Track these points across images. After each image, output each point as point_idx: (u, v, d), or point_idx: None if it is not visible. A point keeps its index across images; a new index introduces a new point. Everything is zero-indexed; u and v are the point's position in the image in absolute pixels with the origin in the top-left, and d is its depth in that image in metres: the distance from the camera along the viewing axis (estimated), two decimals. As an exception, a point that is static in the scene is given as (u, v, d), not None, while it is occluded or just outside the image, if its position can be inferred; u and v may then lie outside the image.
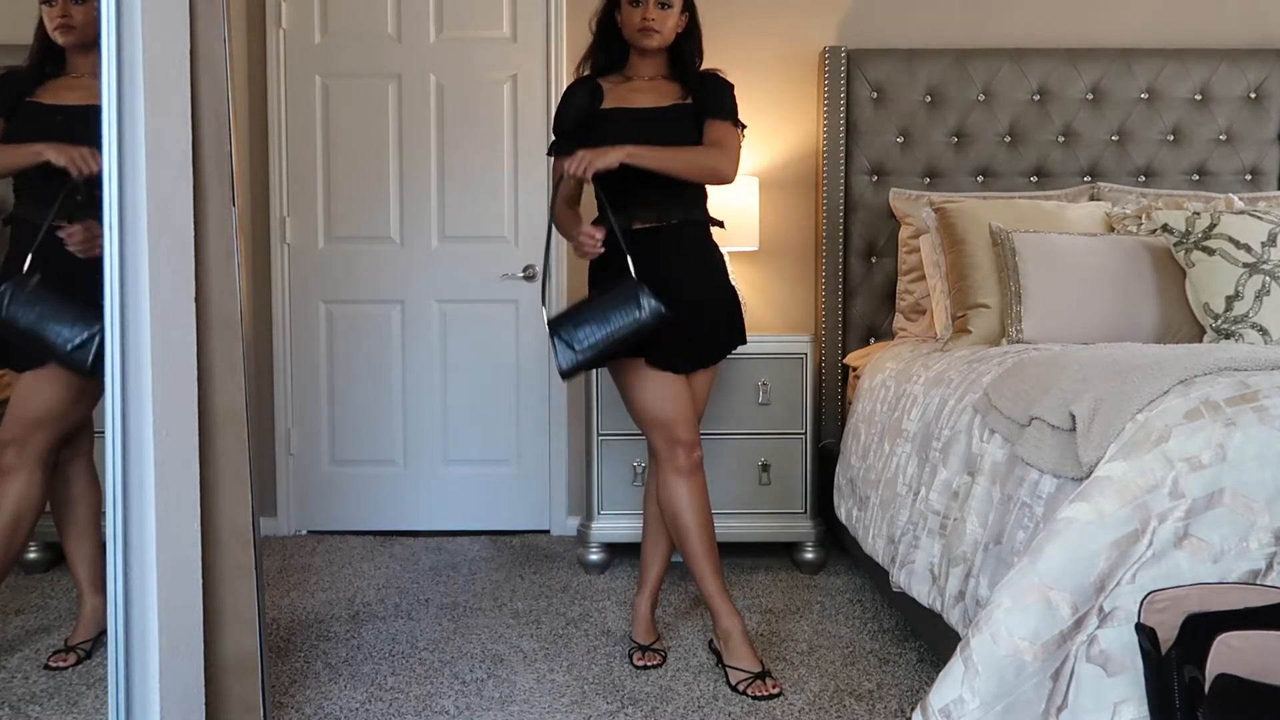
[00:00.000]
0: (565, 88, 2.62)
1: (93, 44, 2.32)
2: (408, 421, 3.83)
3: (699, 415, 2.59)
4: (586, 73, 2.61)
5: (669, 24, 2.48)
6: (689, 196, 2.55)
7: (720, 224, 2.60)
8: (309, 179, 3.78)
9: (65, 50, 2.44)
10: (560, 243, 3.73)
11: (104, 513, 2.48)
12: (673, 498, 2.47)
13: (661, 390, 2.44)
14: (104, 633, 2.52)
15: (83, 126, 2.22)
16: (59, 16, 2.38)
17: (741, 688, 2.35)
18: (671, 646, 2.67)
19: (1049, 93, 3.60)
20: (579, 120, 2.51)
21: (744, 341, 2.64)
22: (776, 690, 2.35)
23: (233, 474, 1.96)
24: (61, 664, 2.44)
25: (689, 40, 2.57)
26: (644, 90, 2.54)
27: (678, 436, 2.45)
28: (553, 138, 2.62)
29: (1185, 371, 1.77)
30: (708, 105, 2.53)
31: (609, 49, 2.58)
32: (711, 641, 2.58)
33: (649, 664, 2.54)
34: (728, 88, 2.55)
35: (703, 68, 2.60)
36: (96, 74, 2.26)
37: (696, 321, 2.50)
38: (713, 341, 2.57)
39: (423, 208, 3.79)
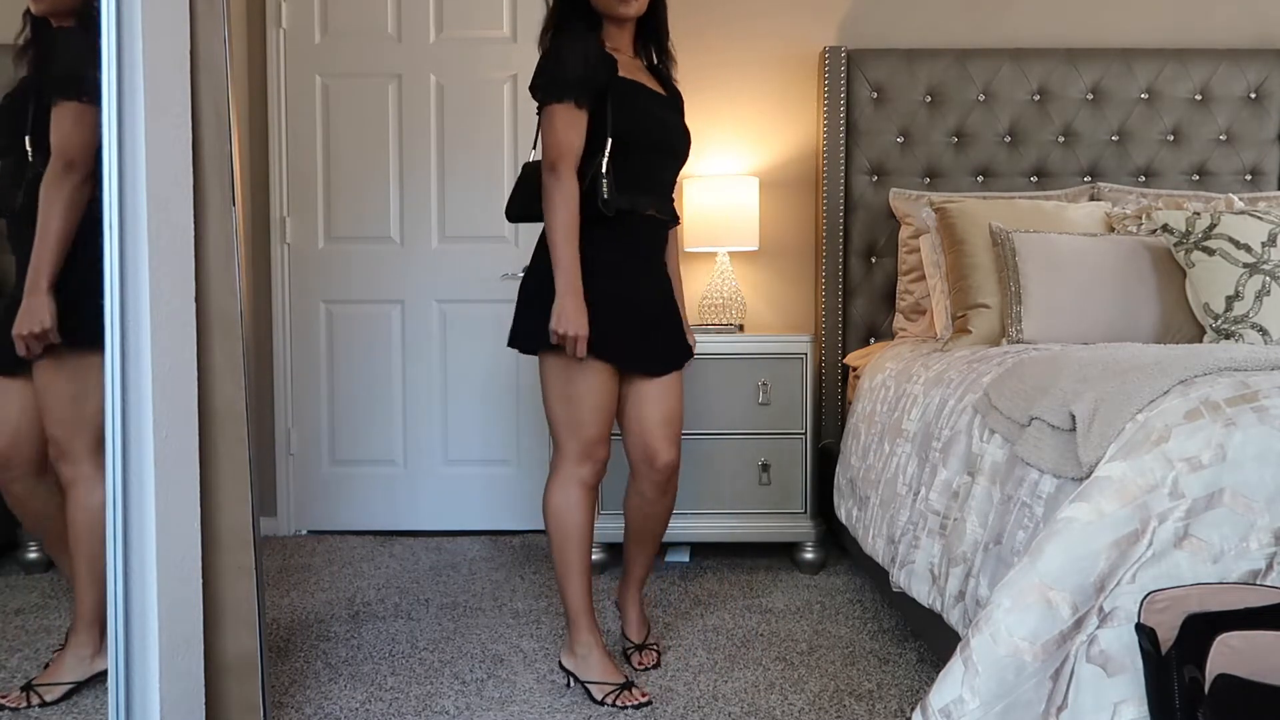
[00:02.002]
0: (565, 35, 2.27)
1: (66, 12, 2.20)
2: (408, 421, 3.83)
3: (680, 418, 2.47)
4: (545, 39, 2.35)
5: None
6: (673, 192, 2.47)
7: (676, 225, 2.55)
8: (309, 179, 3.79)
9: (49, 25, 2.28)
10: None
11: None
12: (580, 512, 2.37)
13: (607, 398, 2.32)
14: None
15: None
16: None
17: (609, 699, 2.29)
18: (671, 646, 2.67)
19: (1049, 93, 3.60)
20: (603, 77, 2.25)
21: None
22: (646, 698, 2.30)
23: (233, 474, 1.96)
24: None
25: (656, 17, 2.42)
26: (635, 69, 2.40)
27: (599, 453, 2.36)
28: (547, 81, 2.24)
29: (1185, 371, 1.77)
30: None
31: (578, 17, 2.30)
32: (626, 652, 2.57)
33: (647, 664, 2.53)
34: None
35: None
36: None
37: (673, 321, 2.45)
38: (683, 341, 2.49)
39: (423, 208, 3.79)
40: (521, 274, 3.67)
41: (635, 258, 2.36)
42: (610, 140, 2.25)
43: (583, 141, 2.23)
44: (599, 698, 2.30)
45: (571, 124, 2.21)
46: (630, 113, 2.28)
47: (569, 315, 2.19)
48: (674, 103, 2.46)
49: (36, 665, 2.46)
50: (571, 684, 2.40)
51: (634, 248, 2.35)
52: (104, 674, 2.29)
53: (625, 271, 2.33)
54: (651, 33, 2.44)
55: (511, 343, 2.38)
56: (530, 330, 2.30)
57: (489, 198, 3.78)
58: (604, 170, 2.23)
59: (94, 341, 2.15)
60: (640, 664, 2.53)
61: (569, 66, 2.21)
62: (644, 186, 2.34)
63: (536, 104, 2.28)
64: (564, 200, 2.19)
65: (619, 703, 2.27)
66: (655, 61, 2.47)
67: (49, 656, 2.49)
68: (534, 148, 2.45)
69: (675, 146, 2.41)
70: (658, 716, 2.24)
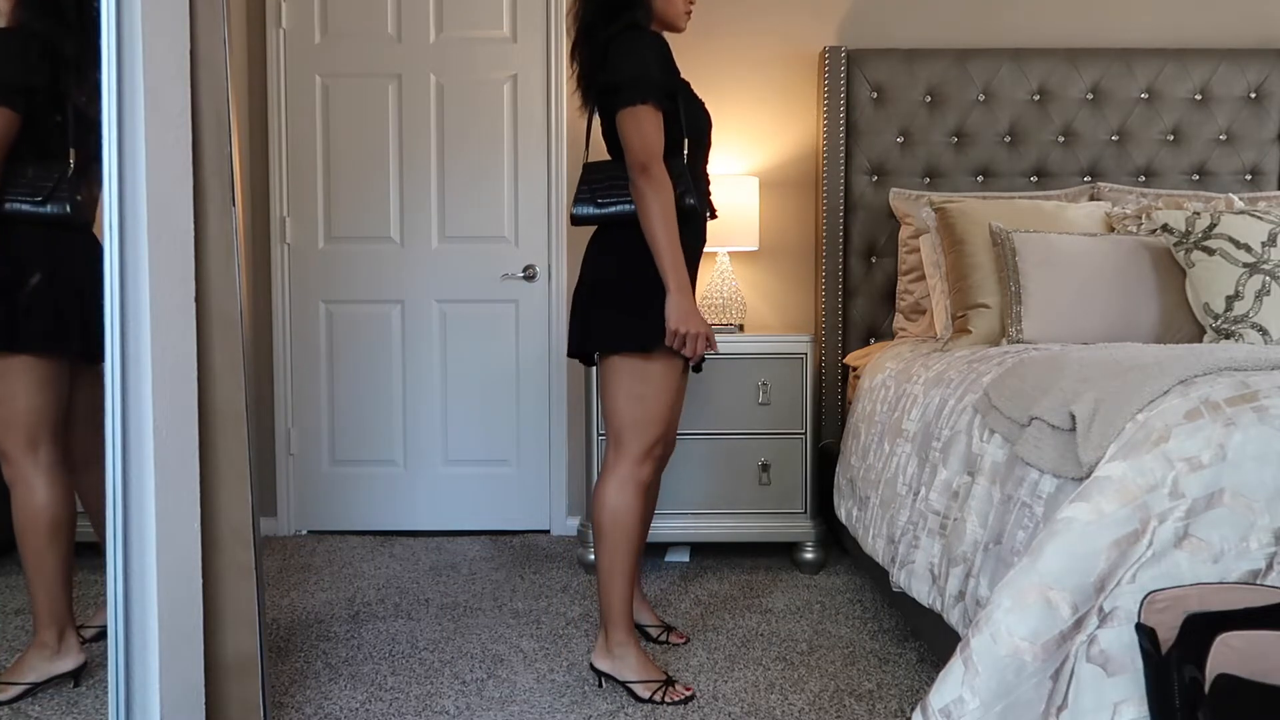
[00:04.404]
0: (637, 33, 2.25)
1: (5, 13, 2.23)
2: (408, 421, 3.83)
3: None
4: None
5: None
6: None
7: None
8: (309, 179, 3.79)
9: None
10: (561, 240, 3.75)
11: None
12: (641, 507, 2.35)
13: (682, 393, 2.40)
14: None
15: None
16: None
17: (659, 696, 2.31)
18: (671, 646, 2.66)
19: (1049, 93, 3.60)
20: (674, 82, 2.29)
21: None
22: (691, 691, 2.33)
23: (233, 474, 1.96)
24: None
25: None
26: None
27: (663, 449, 2.40)
28: (630, 85, 2.21)
29: (1185, 371, 1.77)
30: None
31: (626, 11, 2.28)
32: (658, 639, 2.67)
33: (678, 641, 2.65)
34: None
35: (697, 69, 2.58)
36: None
37: None
38: None
39: (423, 208, 3.79)
40: (520, 274, 3.74)
41: (695, 256, 2.39)
42: (686, 141, 2.27)
43: (663, 142, 2.23)
44: (646, 695, 2.30)
45: (658, 125, 2.20)
46: (691, 113, 2.32)
47: (691, 312, 2.21)
48: None
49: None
50: (603, 684, 2.40)
51: (697, 246, 2.39)
52: (63, 676, 2.32)
53: (691, 270, 2.35)
54: None
55: (584, 348, 2.36)
56: (617, 331, 2.28)
57: (489, 198, 3.78)
58: (685, 171, 2.26)
59: (15, 344, 2.19)
60: (679, 639, 2.65)
61: (651, 68, 2.21)
62: (702, 187, 2.40)
63: (612, 105, 2.25)
64: (665, 199, 2.18)
65: (667, 698, 2.30)
66: None
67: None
68: (587, 149, 2.50)
69: (709, 143, 2.46)
70: (657, 716, 2.24)
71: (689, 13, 2.38)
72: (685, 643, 2.67)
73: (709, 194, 2.47)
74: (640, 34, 2.25)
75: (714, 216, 2.49)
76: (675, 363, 2.30)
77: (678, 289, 2.19)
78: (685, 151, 2.29)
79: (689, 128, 2.29)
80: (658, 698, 2.30)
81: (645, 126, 2.19)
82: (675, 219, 2.20)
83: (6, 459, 2.26)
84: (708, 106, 2.44)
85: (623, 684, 2.35)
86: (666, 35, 2.46)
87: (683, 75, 2.45)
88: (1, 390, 2.23)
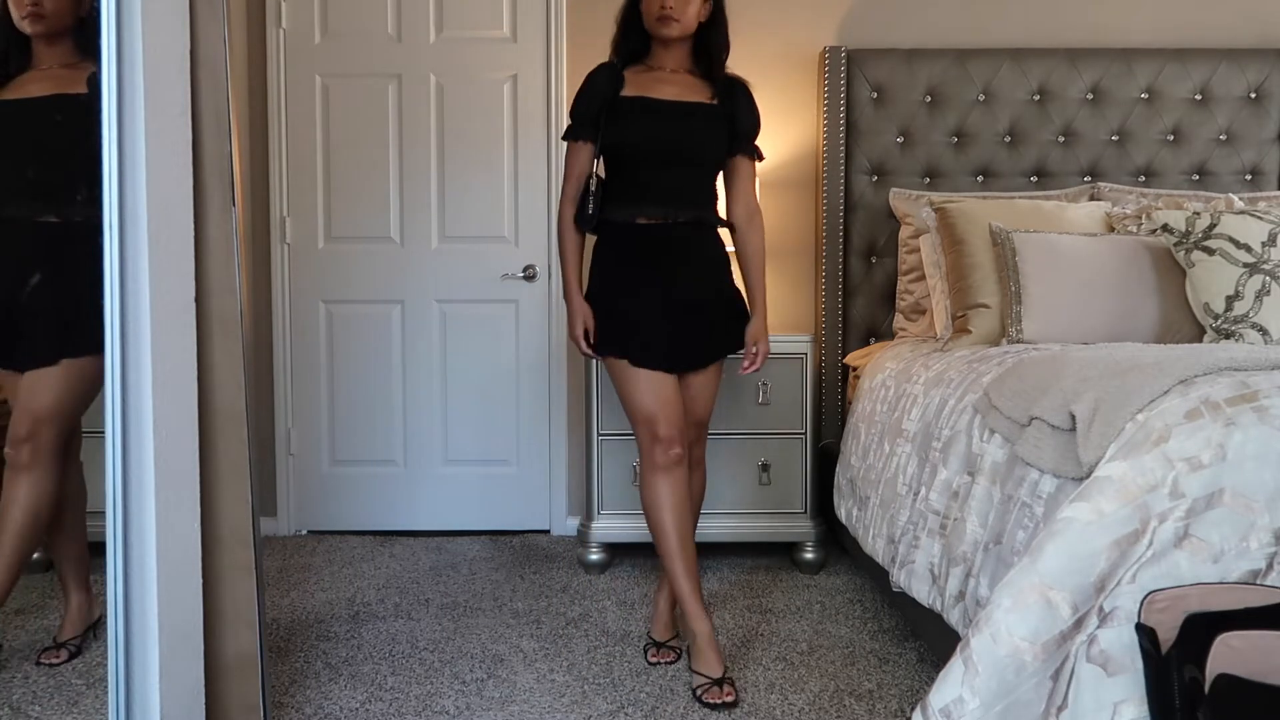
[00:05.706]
0: (588, 74, 2.54)
1: (61, 34, 2.30)
2: (408, 421, 3.83)
3: (703, 418, 2.61)
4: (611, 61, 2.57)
5: (689, 11, 2.44)
6: (699, 197, 2.53)
7: (731, 226, 2.61)
8: (309, 179, 3.78)
9: (32, 41, 2.33)
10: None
11: (94, 513, 2.49)
12: (651, 493, 2.44)
13: (647, 385, 2.43)
14: (91, 628, 2.56)
15: (56, 116, 2.23)
16: (29, 5, 2.28)
17: (699, 693, 2.32)
18: (654, 663, 2.66)
19: (1049, 93, 3.60)
20: (598, 107, 2.47)
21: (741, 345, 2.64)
22: (731, 698, 2.30)
23: (233, 474, 1.96)
24: (54, 660, 2.44)
25: (714, 30, 2.52)
26: (667, 81, 2.49)
27: (658, 432, 2.42)
28: (568, 122, 2.56)
29: (1185, 371, 1.77)
30: (743, 133, 2.55)
31: (631, 41, 2.52)
32: (645, 647, 2.62)
33: (664, 660, 2.55)
34: (755, 105, 2.58)
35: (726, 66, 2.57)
36: (65, 63, 2.29)
37: (693, 323, 2.50)
38: (708, 343, 2.56)
39: (423, 208, 3.79)
40: (520, 274, 3.74)
41: (636, 263, 2.48)
42: (598, 159, 2.48)
43: (584, 170, 2.50)
44: (694, 686, 2.34)
45: (574, 158, 2.52)
46: (619, 129, 2.45)
47: (567, 321, 2.53)
48: (700, 109, 2.49)
49: (37, 666, 2.46)
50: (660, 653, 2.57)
51: (633, 253, 2.49)
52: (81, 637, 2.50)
53: (630, 275, 2.48)
54: (703, 47, 2.54)
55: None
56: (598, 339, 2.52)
57: (489, 198, 3.78)
58: (591, 189, 2.47)
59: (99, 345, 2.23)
60: (654, 659, 2.57)
61: (577, 107, 2.51)
62: (644, 196, 2.47)
63: None
64: (560, 226, 2.55)
65: (707, 698, 2.30)
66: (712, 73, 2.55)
67: (39, 653, 2.50)
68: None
69: (681, 153, 2.47)
70: (656, 716, 2.24)
71: (662, 18, 2.43)
72: (671, 662, 2.57)
73: (682, 204, 2.48)
74: (590, 72, 2.52)
75: (699, 224, 2.52)
76: (616, 360, 2.47)
77: (567, 299, 2.54)
78: (593, 171, 2.47)
79: (604, 146, 2.46)
80: (699, 693, 2.31)
81: (566, 161, 2.54)
82: (569, 242, 2.52)
83: (34, 446, 2.31)
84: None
85: (690, 672, 2.40)
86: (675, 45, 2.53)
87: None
88: (65, 389, 2.33)
